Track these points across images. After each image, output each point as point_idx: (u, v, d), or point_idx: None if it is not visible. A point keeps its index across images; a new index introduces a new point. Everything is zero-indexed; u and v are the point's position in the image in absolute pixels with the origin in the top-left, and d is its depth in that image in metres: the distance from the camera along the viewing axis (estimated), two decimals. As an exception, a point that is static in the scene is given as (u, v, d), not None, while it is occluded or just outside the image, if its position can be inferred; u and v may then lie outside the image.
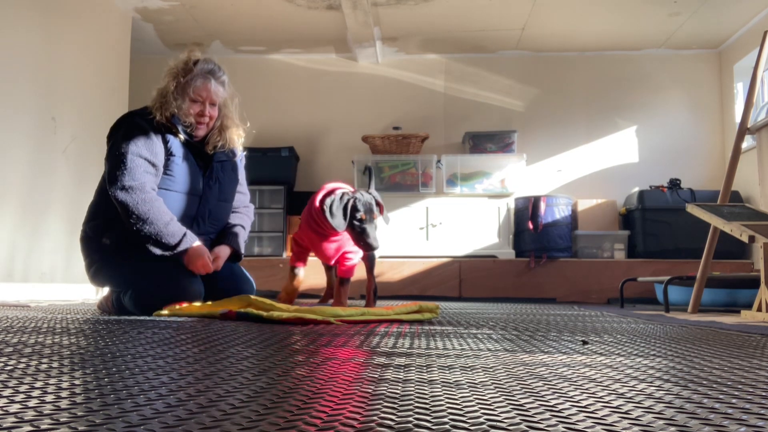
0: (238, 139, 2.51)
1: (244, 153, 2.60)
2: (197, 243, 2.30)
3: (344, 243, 2.41)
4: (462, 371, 0.90)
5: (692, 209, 3.10)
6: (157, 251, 2.24)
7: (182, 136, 2.36)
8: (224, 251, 2.43)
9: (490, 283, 4.79)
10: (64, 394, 0.68)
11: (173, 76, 2.37)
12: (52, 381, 0.77)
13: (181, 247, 2.24)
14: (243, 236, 2.55)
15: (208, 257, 2.31)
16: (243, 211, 2.62)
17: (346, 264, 2.44)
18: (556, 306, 3.83)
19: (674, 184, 4.95)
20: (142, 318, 2.04)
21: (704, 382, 0.83)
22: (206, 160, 2.44)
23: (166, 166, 2.32)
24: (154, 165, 2.27)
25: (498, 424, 0.56)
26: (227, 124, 2.46)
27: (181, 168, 2.35)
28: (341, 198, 2.27)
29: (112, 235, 2.32)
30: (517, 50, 5.63)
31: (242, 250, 2.53)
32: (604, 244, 4.98)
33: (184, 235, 2.25)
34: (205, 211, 2.42)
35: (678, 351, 1.23)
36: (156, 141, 2.29)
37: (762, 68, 3.27)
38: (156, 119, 2.31)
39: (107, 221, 2.32)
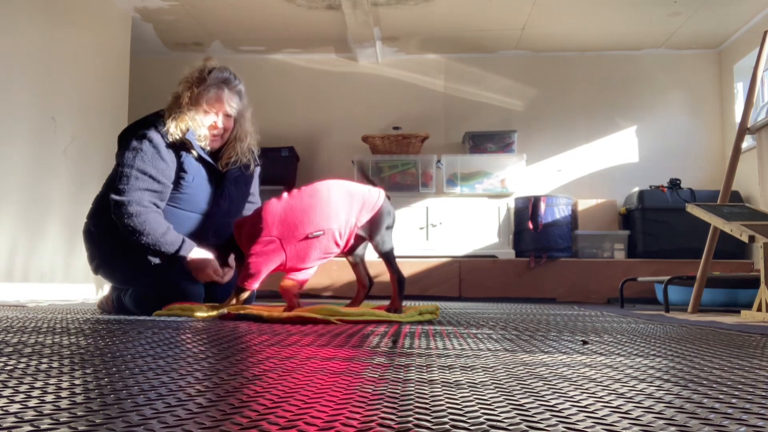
0: (253, 153, 2.45)
1: (260, 163, 2.53)
2: (197, 249, 2.26)
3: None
4: (462, 371, 0.90)
5: (692, 209, 3.10)
6: (157, 260, 2.22)
7: (196, 152, 2.30)
8: (232, 260, 2.42)
9: (490, 283, 4.79)
10: (64, 394, 0.68)
11: (188, 85, 2.30)
12: (52, 381, 0.76)
13: (181, 254, 2.21)
14: None
15: (215, 267, 2.26)
16: None
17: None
18: (556, 306, 3.83)
19: (674, 184, 4.95)
20: (142, 318, 2.04)
21: (704, 382, 0.83)
22: (219, 176, 2.38)
23: (177, 183, 2.27)
24: (159, 182, 2.22)
25: (498, 424, 0.56)
26: (242, 137, 2.39)
27: (191, 186, 2.30)
28: None
29: (114, 234, 2.30)
30: (517, 50, 5.63)
31: None
32: (604, 244, 4.98)
33: (183, 242, 2.22)
34: (209, 228, 2.38)
35: (678, 351, 1.23)
36: (166, 158, 2.23)
37: (762, 68, 3.27)
38: (170, 132, 2.24)
39: (111, 220, 2.31)
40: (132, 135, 2.27)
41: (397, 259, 2.19)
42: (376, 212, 2.10)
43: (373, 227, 2.11)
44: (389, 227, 2.16)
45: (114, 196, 2.18)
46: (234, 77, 2.37)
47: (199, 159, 2.32)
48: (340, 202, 2.06)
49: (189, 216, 2.32)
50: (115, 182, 2.21)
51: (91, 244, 2.37)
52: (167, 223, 2.22)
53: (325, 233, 2.03)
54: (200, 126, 2.29)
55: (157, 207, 2.23)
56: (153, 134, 2.24)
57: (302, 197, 2.06)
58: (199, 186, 2.33)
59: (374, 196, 2.13)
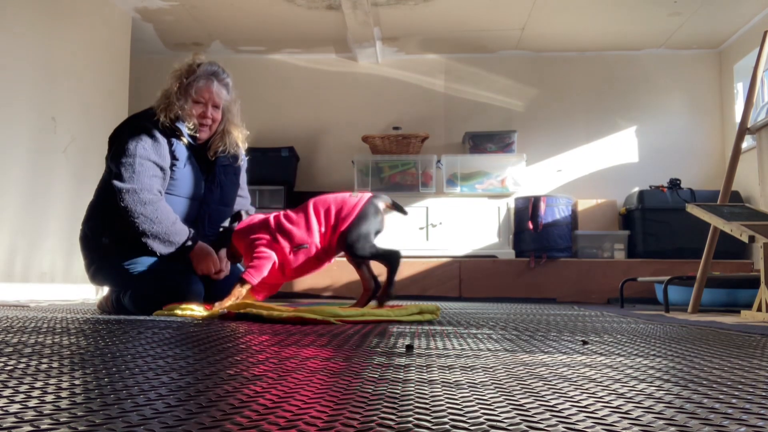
0: (241, 144, 2.50)
1: (247, 157, 2.59)
2: (201, 244, 2.30)
3: None
4: (462, 371, 0.90)
5: (692, 209, 3.10)
6: (164, 250, 2.24)
7: (186, 140, 2.34)
8: (225, 254, 2.44)
9: (490, 283, 4.79)
10: (64, 394, 0.68)
11: (177, 77, 2.36)
12: (52, 381, 0.76)
13: (188, 245, 2.24)
14: None
15: (215, 260, 2.31)
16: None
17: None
18: (556, 306, 3.83)
19: (674, 184, 4.95)
20: (142, 318, 2.04)
21: (704, 382, 0.83)
22: (209, 164, 2.43)
23: (170, 169, 2.31)
24: (161, 168, 2.26)
25: (498, 424, 0.56)
26: (229, 129, 2.44)
27: (183, 172, 2.34)
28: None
29: (111, 235, 2.32)
30: (517, 50, 5.63)
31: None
32: (604, 244, 4.98)
33: (190, 232, 2.27)
34: (205, 215, 2.42)
35: (678, 351, 1.23)
36: (163, 144, 2.28)
37: (762, 68, 3.27)
38: (160, 121, 2.29)
39: (106, 221, 2.32)
40: (125, 129, 2.31)
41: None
42: (353, 217, 2.12)
43: (346, 231, 2.13)
44: (374, 232, 2.17)
45: (122, 185, 2.19)
46: (222, 71, 2.43)
47: (189, 146, 2.37)
48: (318, 216, 2.17)
49: (179, 201, 2.35)
50: (119, 176, 2.22)
51: (87, 248, 2.39)
52: (175, 214, 2.26)
53: (309, 246, 2.15)
54: (190, 115, 2.33)
55: (161, 194, 2.27)
56: (146, 124, 2.29)
57: (295, 212, 2.20)
58: (189, 172, 2.37)
59: (352, 202, 2.16)
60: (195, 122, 2.35)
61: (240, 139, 2.49)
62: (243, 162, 2.57)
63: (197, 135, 2.39)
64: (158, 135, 2.27)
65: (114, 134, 2.37)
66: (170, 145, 2.31)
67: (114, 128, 2.41)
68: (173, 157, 2.31)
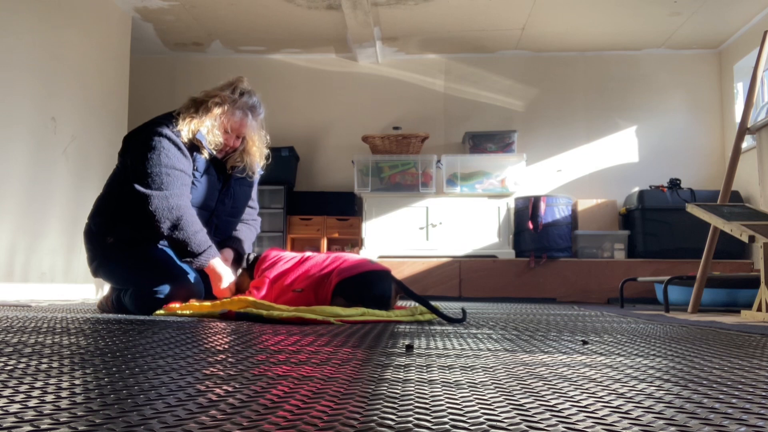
0: (259, 161, 2.50)
1: (261, 172, 2.58)
2: (221, 262, 2.29)
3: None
4: (462, 371, 0.90)
5: (692, 209, 3.10)
6: (180, 255, 2.24)
7: (207, 154, 2.34)
8: (230, 254, 2.44)
9: (490, 283, 4.79)
10: (64, 394, 0.68)
11: (221, 101, 2.33)
12: (52, 381, 0.76)
13: (204, 257, 2.23)
14: (248, 244, 2.56)
15: (231, 285, 2.30)
16: (251, 223, 2.63)
17: None
18: (556, 306, 3.83)
19: (674, 184, 4.95)
20: (142, 318, 2.05)
21: (704, 382, 0.83)
22: (225, 175, 2.44)
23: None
24: (187, 175, 2.27)
25: (498, 424, 0.56)
26: (250, 149, 2.44)
27: (200, 183, 2.34)
28: None
29: (115, 235, 2.31)
30: (517, 50, 5.63)
31: (245, 254, 2.53)
32: (604, 244, 4.98)
33: (210, 247, 2.25)
34: (213, 224, 2.42)
35: (678, 351, 1.23)
36: (186, 153, 2.28)
37: (762, 68, 3.27)
38: (182, 134, 2.27)
39: (112, 219, 2.31)
40: (146, 135, 2.27)
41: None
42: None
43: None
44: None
45: (151, 191, 2.18)
46: (259, 104, 2.44)
47: (208, 158, 2.37)
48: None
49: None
50: (147, 181, 2.20)
51: (91, 243, 2.38)
52: (201, 224, 2.25)
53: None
54: (217, 137, 2.33)
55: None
56: (169, 132, 2.26)
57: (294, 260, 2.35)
58: (206, 183, 2.37)
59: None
60: (220, 140, 2.34)
61: (259, 157, 2.48)
62: (258, 174, 2.57)
63: (214, 151, 2.39)
64: (181, 144, 2.26)
65: (132, 136, 2.33)
66: (191, 155, 2.31)
67: (128, 128, 2.39)
68: (194, 168, 2.31)
